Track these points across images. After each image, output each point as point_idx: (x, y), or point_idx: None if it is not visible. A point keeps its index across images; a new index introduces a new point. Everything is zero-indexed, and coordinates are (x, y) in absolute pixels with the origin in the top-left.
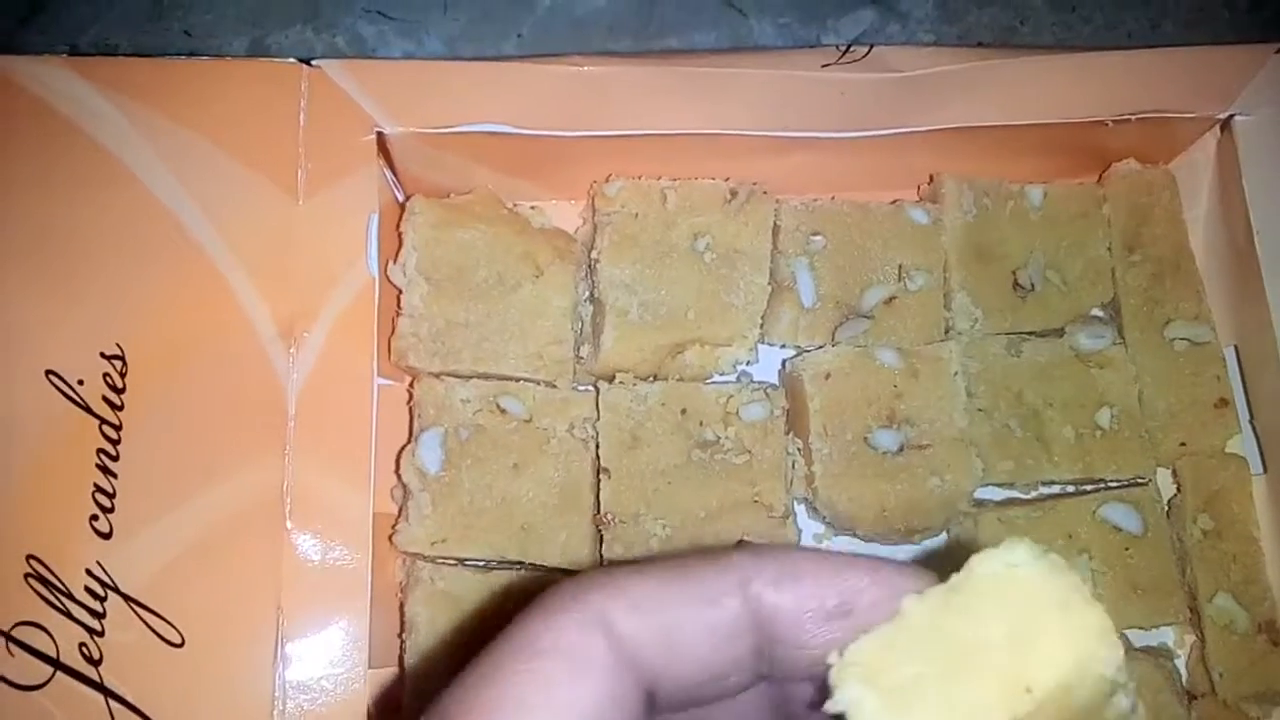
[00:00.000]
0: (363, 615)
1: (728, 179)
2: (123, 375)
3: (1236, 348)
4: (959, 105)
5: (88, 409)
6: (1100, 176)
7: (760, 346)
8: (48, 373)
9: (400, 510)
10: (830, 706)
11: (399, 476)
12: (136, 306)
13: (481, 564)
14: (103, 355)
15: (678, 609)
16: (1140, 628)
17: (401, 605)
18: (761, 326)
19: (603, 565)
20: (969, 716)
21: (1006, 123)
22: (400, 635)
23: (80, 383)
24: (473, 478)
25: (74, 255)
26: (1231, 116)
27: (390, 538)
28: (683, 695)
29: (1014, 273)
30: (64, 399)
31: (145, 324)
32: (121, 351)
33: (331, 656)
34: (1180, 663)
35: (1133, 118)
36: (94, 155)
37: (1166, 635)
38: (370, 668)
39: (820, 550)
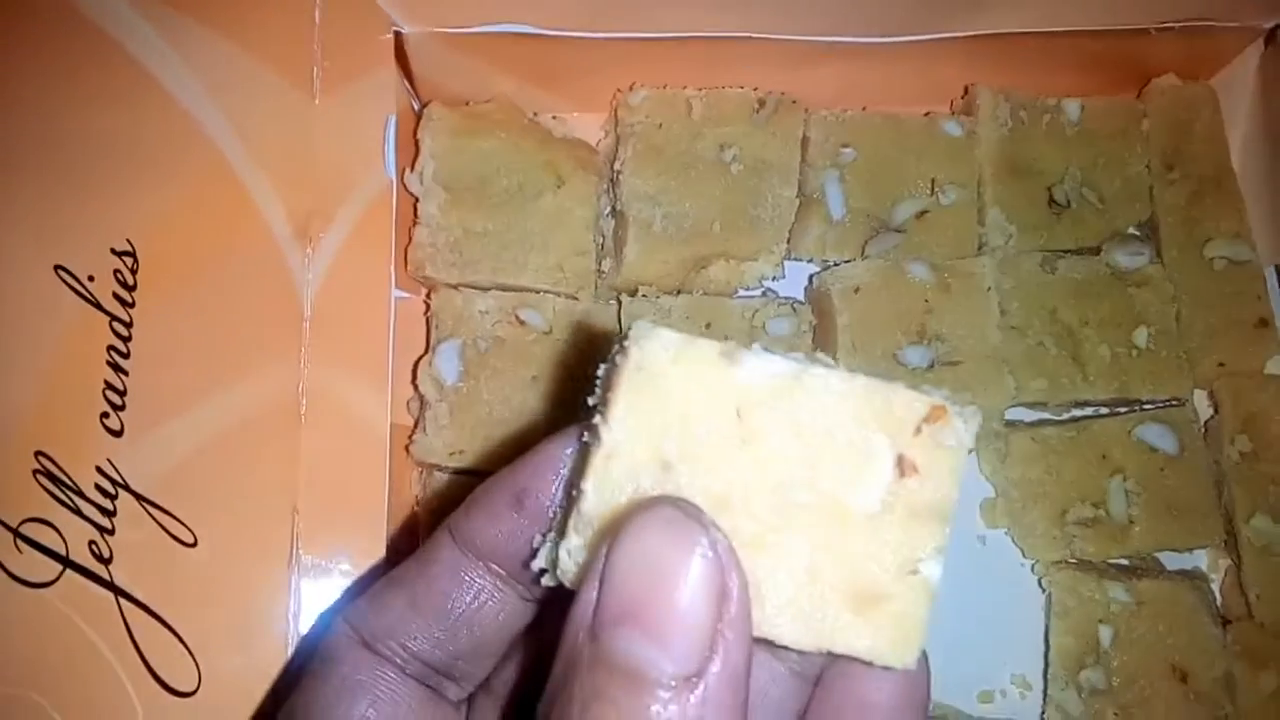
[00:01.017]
0: (379, 523)
1: (755, 88)
2: (134, 272)
3: (1277, 267)
4: (996, 11)
5: (98, 305)
6: (1139, 92)
7: (786, 262)
8: (57, 268)
9: (417, 422)
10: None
11: (415, 388)
12: (147, 202)
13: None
14: (113, 251)
15: (399, 590)
16: (1175, 550)
17: (417, 515)
18: (788, 240)
19: None
20: None
21: (1045, 29)
22: (416, 548)
23: (90, 278)
24: (491, 389)
25: (84, 150)
26: (1277, 27)
27: (407, 448)
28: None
29: (1049, 189)
30: (74, 294)
31: (156, 219)
32: (132, 248)
33: (348, 566)
34: (1215, 586)
35: (1175, 25)
36: (110, 52)
37: (1200, 559)
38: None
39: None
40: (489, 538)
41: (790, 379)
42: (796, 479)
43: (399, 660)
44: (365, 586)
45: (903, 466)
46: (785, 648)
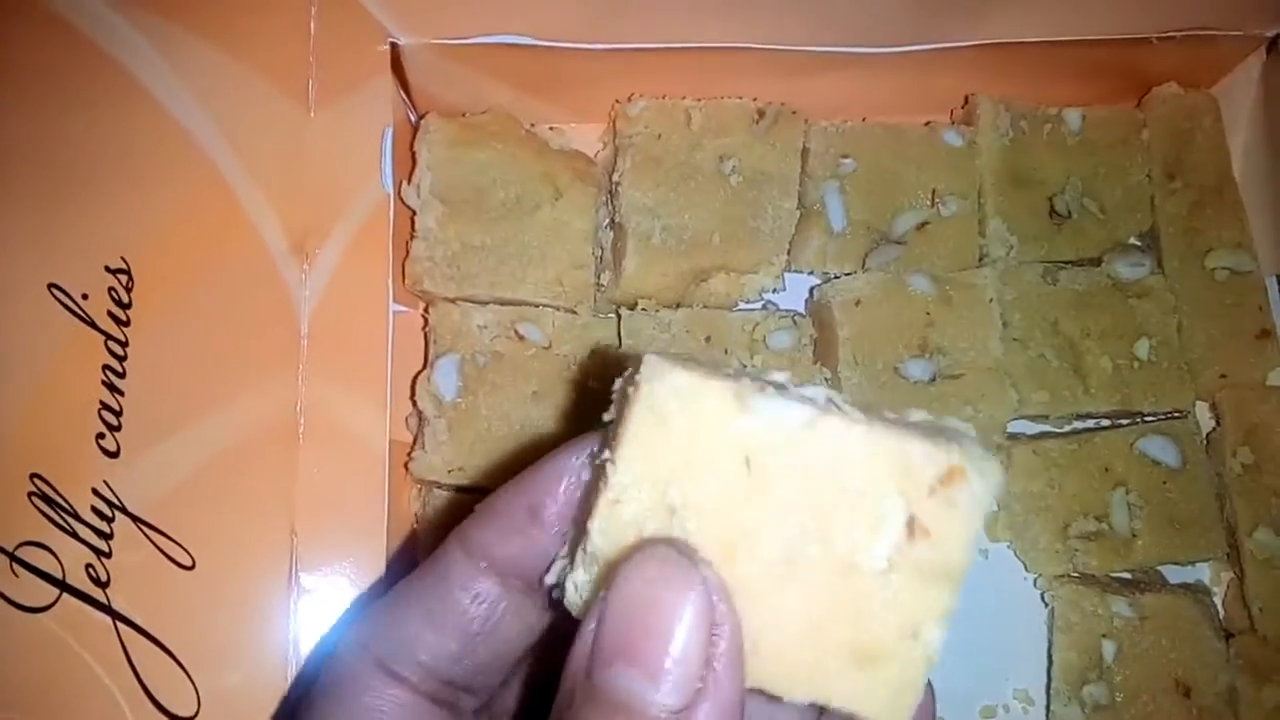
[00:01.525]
0: (379, 542)
1: (755, 99)
2: (128, 290)
3: (1279, 278)
4: (996, 21)
5: (92, 324)
6: (1140, 101)
7: (786, 275)
8: (50, 286)
9: (415, 438)
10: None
11: (414, 403)
12: (142, 219)
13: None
14: (108, 269)
15: (411, 606)
16: (1178, 563)
17: (416, 533)
18: (789, 253)
19: None
20: None
21: (1045, 39)
22: (415, 565)
23: (85, 297)
24: (490, 405)
25: (77, 166)
26: (1279, 35)
27: (405, 465)
28: (476, 665)
29: (1050, 199)
30: (68, 314)
31: (152, 237)
32: (127, 265)
33: (347, 585)
34: (1217, 599)
35: (1177, 35)
36: (103, 66)
37: (1203, 572)
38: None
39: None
40: (503, 551)
41: (804, 427)
42: (804, 530)
43: (413, 678)
44: (365, 605)
45: (913, 528)
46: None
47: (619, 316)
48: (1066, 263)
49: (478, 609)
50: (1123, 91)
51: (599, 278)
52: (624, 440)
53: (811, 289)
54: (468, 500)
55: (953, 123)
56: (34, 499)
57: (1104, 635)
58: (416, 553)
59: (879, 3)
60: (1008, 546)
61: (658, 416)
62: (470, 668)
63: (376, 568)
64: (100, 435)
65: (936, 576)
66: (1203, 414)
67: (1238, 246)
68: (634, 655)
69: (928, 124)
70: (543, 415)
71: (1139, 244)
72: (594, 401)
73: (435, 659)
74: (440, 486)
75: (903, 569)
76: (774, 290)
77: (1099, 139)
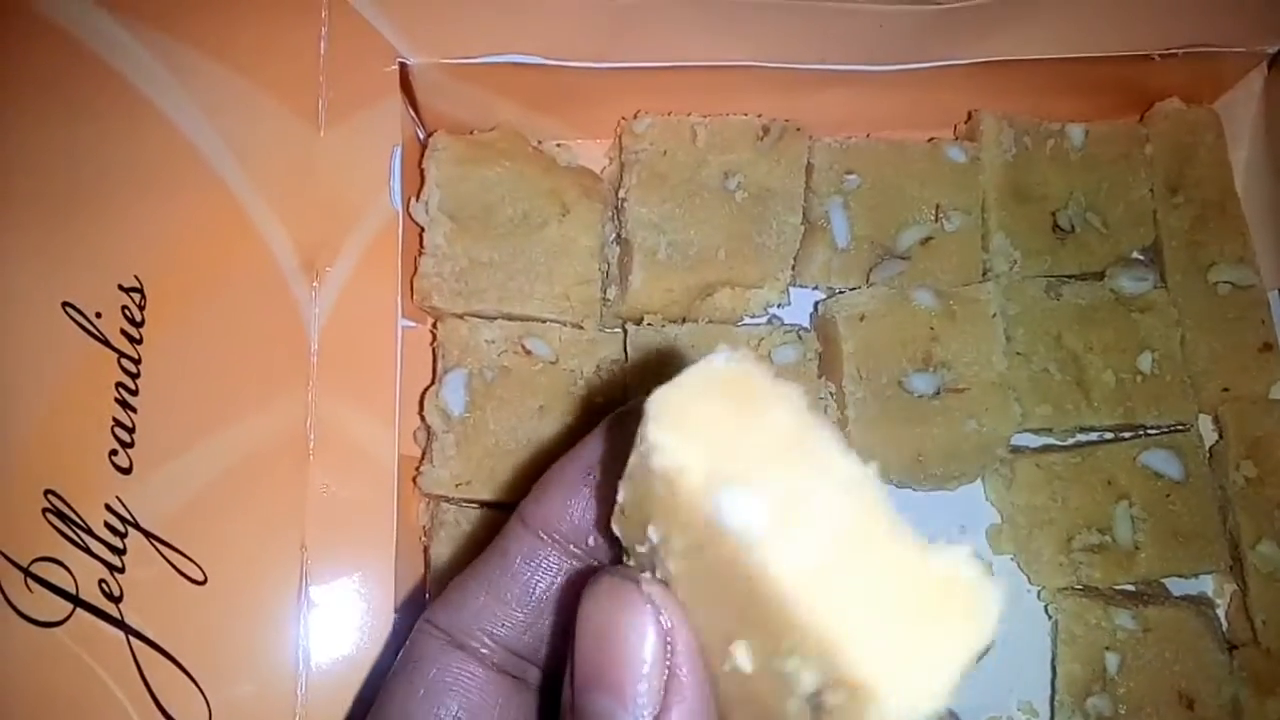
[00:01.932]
0: (388, 556)
1: (760, 116)
2: (141, 308)
3: None
4: (999, 38)
5: (106, 342)
6: (1143, 116)
7: (791, 289)
8: (64, 305)
9: (424, 452)
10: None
11: (422, 418)
12: (154, 238)
13: (507, 507)
14: (121, 288)
15: (477, 582)
16: (1181, 575)
17: (425, 548)
18: (793, 268)
19: None
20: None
21: (1047, 56)
22: (424, 578)
23: (98, 315)
24: (498, 419)
25: (90, 186)
26: None
27: (414, 480)
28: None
29: (1053, 214)
30: (81, 332)
31: (164, 255)
32: (140, 284)
33: (356, 599)
34: (1221, 612)
35: (1179, 51)
36: (112, 83)
37: (1206, 584)
38: (395, 612)
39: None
40: (564, 516)
41: (747, 547)
42: (742, 644)
43: (485, 651)
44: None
45: (818, 708)
46: None
47: (625, 331)
48: (1069, 277)
49: (541, 577)
50: (1125, 107)
51: (605, 293)
52: (627, 469)
53: (816, 304)
54: (475, 514)
55: (956, 139)
56: (48, 515)
57: (1107, 647)
58: (426, 566)
59: (883, 21)
60: (1011, 559)
61: (644, 464)
62: (538, 635)
63: (385, 582)
64: (113, 452)
65: None
66: (1205, 427)
67: (1240, 261)
68: (600, 680)
69: (931, 140)
70: (550, 430)
71: (1142, 258)
72: (601, 416)
73: (502, 630)
74: (449, 501)
75: None
76: (779, 305)
77: (1102, 154)
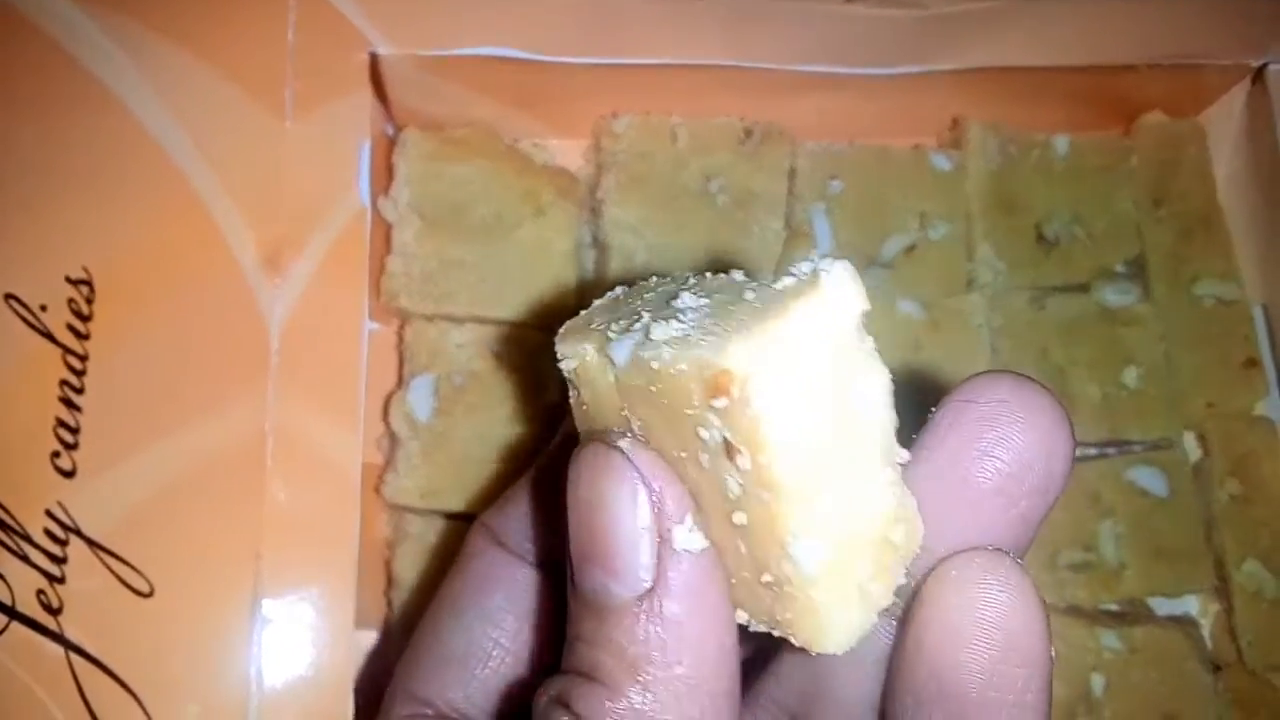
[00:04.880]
0: (349, 569)
1: (742, 118)
2: (89, 302)
3: (1265, 307)
4: (985, 45)
5: (50, 337)
6: (1127, 128)
7: None
8: (7, 297)
9: (388, 460)
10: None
11: (387, 424)
12: (106, 228)
13: (474, 518)
14: (68, 280)
15: (525, 492)
16: (1166, 595)
17: (388, 561)
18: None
19: None
20: None
21: (1033, 64)
22: (386, 593)
23: (43, 308)
24: (466, 426)
25: (38, 172)
26: (1265, 65)
27: (377, 489)
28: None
29: (1038, 225)
30: (24, 325)
31: (115, 247)
32: (89, 276)
33: (313, 614)
34: (1205, 632)
35: (1164, 63)
36: (66, 67)
37: (1191, 604)
38: (355, 628)
39: None
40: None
41: (632, 364)
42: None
43: (528, 555)
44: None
45: (729, 449)
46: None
47: None
48: (1054, 289)
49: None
50: (1110, 118)
51: (580, 297)
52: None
53: None
54: (442, 526)
55: (940, 146)
56: None
57: (1093, 668)
58: (390, 579)
59: (868, 24)
60: None
61: (571, 386)
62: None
63: (345, 597)
64: (55, 454)
65: (770, 491)
66: (1190, 444)
67: (1224, 275)
68: (592, 553)
69: (915, 147)
70: (520, 438)
71: (1126, 271)
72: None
73: (546, 536)
74: (414, 511)
75: (747, 493)
76: None
77: (1086, 165)
